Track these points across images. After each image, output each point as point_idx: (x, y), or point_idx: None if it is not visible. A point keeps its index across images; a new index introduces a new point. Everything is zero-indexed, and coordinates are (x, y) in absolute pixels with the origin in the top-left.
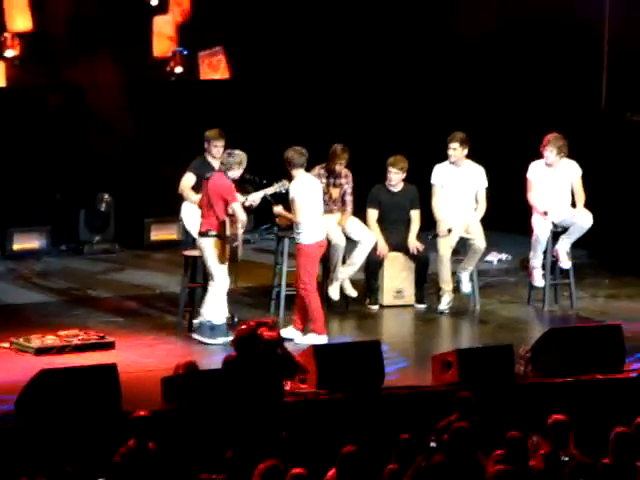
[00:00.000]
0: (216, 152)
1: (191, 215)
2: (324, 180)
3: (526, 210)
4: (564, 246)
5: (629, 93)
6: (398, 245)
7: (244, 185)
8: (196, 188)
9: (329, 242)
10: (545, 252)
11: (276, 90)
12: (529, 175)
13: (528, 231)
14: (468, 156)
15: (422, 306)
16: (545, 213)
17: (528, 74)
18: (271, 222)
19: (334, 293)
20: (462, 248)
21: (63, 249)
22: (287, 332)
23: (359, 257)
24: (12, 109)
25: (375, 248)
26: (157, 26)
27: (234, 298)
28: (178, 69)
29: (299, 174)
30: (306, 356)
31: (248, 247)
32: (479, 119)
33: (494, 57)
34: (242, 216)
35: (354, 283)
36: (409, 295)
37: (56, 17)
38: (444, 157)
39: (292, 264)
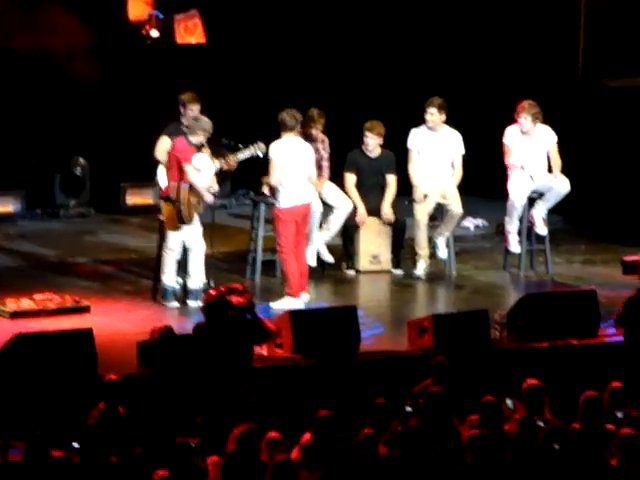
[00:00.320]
0: (192, 116)
1: (166, 179)
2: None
3: (502, 176)
4: (540, 212)
5: (606, 59)
6: (375, 210)
7: (220, 150)
8: None
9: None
10: (521, 218)
11: (252, 54)
12: (505, 140)
13: (504, 197)
14: (446, 122)
15: (399, 271)
16: (522, 167)
17: (505, 39)
18: (247, 187)
19: (310, 259)
20: (439, 214)
21: (38, 213)
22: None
23: (336, 222)
24: None
25: (353, 214)
26: None
27: (210, 263)
28: (154, 33)
29: (286, 137)
30: (282, 321)
31: (224, 212)
32: (455, 84)
33: (470, 21)
34: (193, 178)
35: (331, 248)
36: (385, 260)
37: None
38: (420, 121)
39: (268, 229)
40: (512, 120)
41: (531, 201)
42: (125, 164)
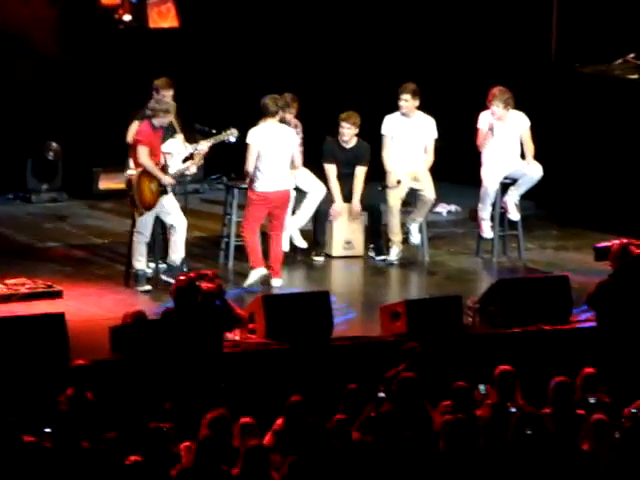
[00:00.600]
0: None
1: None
2: None
3: (475, 161)
4: (513, 197)
5: (579, 44)
6: (348, 196)
7: (193, 135)
8: None
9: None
10: (494, 204)
11: (226, 39)
12: (480, 125)
13: (477, 182)
14: (419, 107)
15: (381, 258)
16: (490, 129)
17: (477, 24)
18: (221, 172)
19: (283, 244)
20: (412, 199)
21: (10, 197)
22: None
23: (308, 208)
24: None
25: (326, 199)
26: None
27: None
28: (126, 17)
29: (266, 122)
30: (255, 306)
31: (197, 197)
32: (428, 70)
33: (444, 6)
34: (142, 160)
35: (304, 234)
36: (358, 246)
37: None
38: (394, 108)
39: (241, 214)
40: (485, 106)
41: (504, 187)
42: (98, 149)
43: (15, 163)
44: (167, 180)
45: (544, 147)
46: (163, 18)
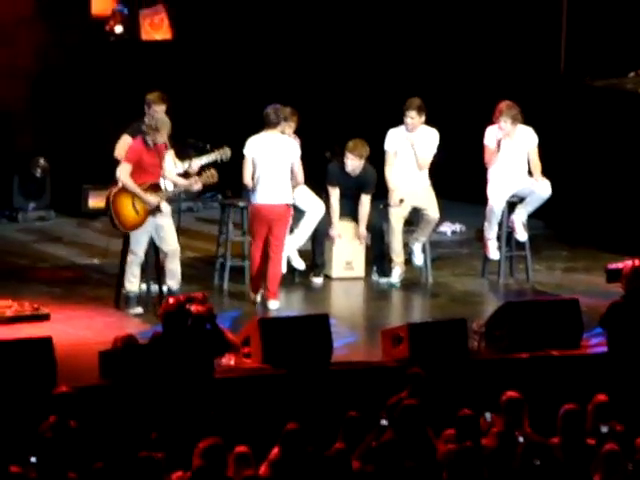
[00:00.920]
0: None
1: None
2: None
3: (481, 179)
4: (520, 216)
5: (589, 57)
6: (350, 213)
7: (187, 150)
8: None
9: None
10: (500, 223)
11: (220, 51)
12: (486, 140)
13: (483, 201)
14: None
15: (384, 280)
16: (498, 144)
17: (486, 38)
18: (215, 190)
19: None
20: (415, 218)
21: None
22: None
23: (306, 227)
24: None
25: (325, 219)
26: None
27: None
28: (118, 28)
29: (266, 132)
30: (251, 330)
31: (191, 215)
32: (434, 84)
33: (452, 20)
34: (122, 176)
35: (302, 254)
36: (359, 267)
37: None
38: (399, 121)
39: (237, 234)
40: (492, 121)
41: (511, 205)
42: (87, 165)
43: (1, 180)
44: (150, 200)
45: (553, 163)
46: (156, 30)
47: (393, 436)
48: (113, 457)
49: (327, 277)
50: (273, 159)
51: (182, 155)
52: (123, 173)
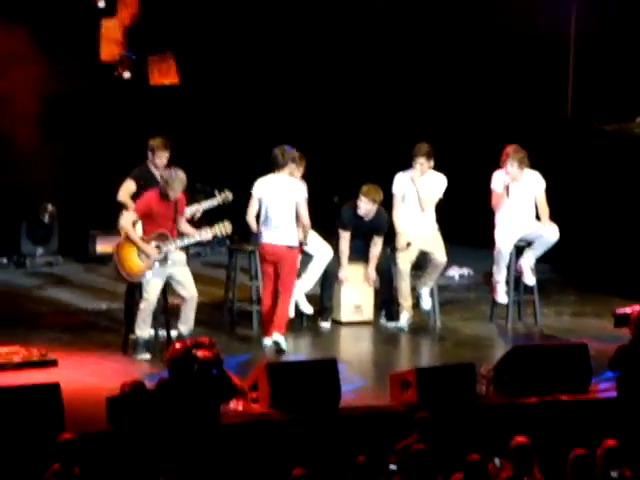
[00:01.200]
0: (160, 163)
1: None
2: None
3: (489, 223)
4: (529, 261)
5: (595, 102)
6: (360, 256)
7: (195, 195)
8: (135, 197)
9: (293, 260)
10: (508, 267)
11: (229, 96)
12: (493, 185)
13: (491, 245)
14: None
15: (392, 324)
16: (506, 188)
17: (494, 83)
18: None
19: (290, 309)
20: (423, 262)
21: (4, 262)
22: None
23: (314, 271)
24: None
25: (333, 263)
26: (105, 29)
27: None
28: (126, 74)
29: (275, 174)
30: (259, 374)
31: (198, 260)
32: (443, 129)
33: (461, 66)
34: (122, 222)
35: (310, 298)
36: (368, 311)
37: None
38: (406, 165)
39: (245, 279)
40: (499, 166)
41: (519, 250)
42: (95, 210)
43: (9, 226)
44: (148, 251)
45: (561, 208)
46: (164, 75)
47: None
48: None
49: (336, 321)
50: (278, 200)
51: (191, 200)
52: (126, 221)
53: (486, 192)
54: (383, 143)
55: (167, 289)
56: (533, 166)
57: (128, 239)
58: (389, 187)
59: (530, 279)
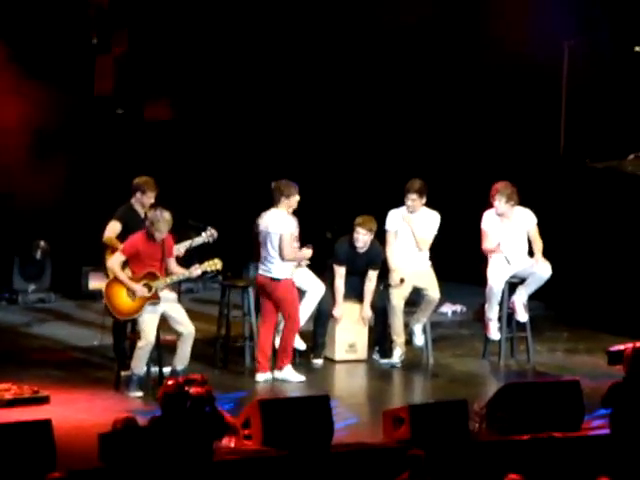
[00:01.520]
0: (148, 202)
1: None
2: None
3: (481, 260)
4: (521, 297)
5: (588, 139)
6: (354, 294)
7: (187, 232)
8: (122, 237)
9: (280, 293)
10: (501, 304)
11: (220, 132)
12: (483, 225)
13: (483, 282)
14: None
15: (387, 361)
16: (498, 245)
17: (486, 120)
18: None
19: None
20: (416, 298)
21: None
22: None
23: (307, 307)
24: None
25: (325, 299)
26: (99, 65)
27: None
28: (119, 110)
29: (272, 208)
30: (251, 411)
31: (191, 296)
32: (434, 166)
33: (452, 102)
34: (110, 263)
35: (303, 335)
36: (362, 349)
37: None
38: (398, 202)
39: (237, 314)
40: (490, 205)
41: (512, 286)
42: (87, 247)
43: (1, 262)
44: (136, 289)
45: (553, 244)
46: (158, 112)
47: None
48: None
49: (329, 359)
50: (264, 233)
51: (183, 236)
52: (113, 262)
53: (478, 229)
54: (375, 179)
55: (159, 326)
56: (525, 202)
57: (117, 279)
58: (382, 223)
59: (523, 316)
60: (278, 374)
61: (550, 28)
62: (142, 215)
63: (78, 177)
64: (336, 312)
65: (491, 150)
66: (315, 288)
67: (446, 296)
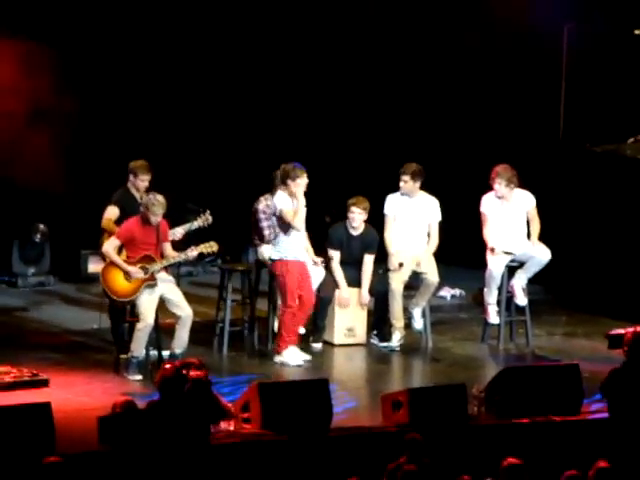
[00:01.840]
0: (142, 185)
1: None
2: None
3: (481, 244)
4: (520, 281)
5: (587, 123)
6: (352, 280)
7: (186, 215)
8: (120, 221)
9: (275, 275)
10: (500, 288)
11: (218, 116)
12: (482, 209)
13: (483, 265)
14: (423, 187)
15: (385, 344)
16: (492, 250)
17: (485, 104)
18: (215, 254)
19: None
20: (415, 283)
21: None
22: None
23: None
24: None
25: (325, 284)
26: None
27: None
28: None
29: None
30: (250, 395)
31: (190, 280)
32: (434, 150)
33: (451, 87)
34: (105, 247)
35: None
36: (361, 333)
37: None
38: (397, 186)
39: (236, 298)
40: (489, 188)
41: (511, 270)
42: (87, 230)
43: (0, 245)
44: (130, 270)
45: (553, 228)
46: None
47: None
48: None
49: (328, 343)
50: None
51: (181, 219)
52: (107, 245)
53: (477, 213)
54: (374, 164)
55: (159, 309)
56: (525, 186)
57: (113, 263)
58: (381, 208)
59: (522, 300)
60: (277, 357)
61: (550, 11)
62: (139, 199)
63: (77, 161)
64: (344, 293)
65: (490, 134)
66: (316, 272)
67: (445, 280)
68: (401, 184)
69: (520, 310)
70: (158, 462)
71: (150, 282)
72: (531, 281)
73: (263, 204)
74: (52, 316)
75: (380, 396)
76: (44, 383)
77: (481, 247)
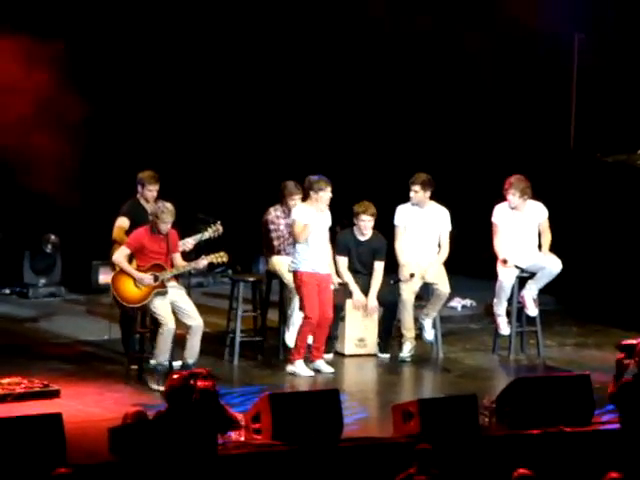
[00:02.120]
0: (151, 196)
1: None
2: (282, 220)
3: (492, 254)
4: (531, 292)
5: (598, 133)
6: (361, 288)
7: (197, 226)
8: (129, 232)
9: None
10: (510, 299)
11: (228, 127)
12: (494, 219)
13: (493, 276)
14: (433, 197)
15: (386, 356)
16: (504, 261)
17: (496, 114)
18: (226, 265)
19: (291, 340)
20: (425, 293)
21: (7, 292)
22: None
23: None
24: None
25: (335, 294)
26: None
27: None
28: None
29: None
30: (261, 405)
31: (201, 290)
32: (445, 160)
33: (463, 96)
34: (115, 256)
35: None
36: (372, 344)
37: None
38: (408, 197)
39: (247, 308)
40: (502, 197)
41: (522, 281)
42: (98, 241)
43: (12, 256)
44: (140, 277)
45: (563, 239)
46: None
47: None
48: None
49: (339, 354)
50: None
51: (192, 229)
52: (117, 254)
53: (489, 223)
54: (385, 174)
55: None
56: (535, 196)
57: (123, 271)
58: (391, 219)
59: (532, 310)
60: (289, 367)
61: (561, 22)
62: (148, 209)
63: (88, 172)
64: (358, 297)
65: (502, 144)
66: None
67: (456, 290)
68: (411, 194)
69: (531, 321)
70: (168, 472)
71: (160, 289)
72: (542, 292)
73: (272, 215)
74: (63, 327)
75: (391, 407)
76: (55, 394)
77: (492, 257)
